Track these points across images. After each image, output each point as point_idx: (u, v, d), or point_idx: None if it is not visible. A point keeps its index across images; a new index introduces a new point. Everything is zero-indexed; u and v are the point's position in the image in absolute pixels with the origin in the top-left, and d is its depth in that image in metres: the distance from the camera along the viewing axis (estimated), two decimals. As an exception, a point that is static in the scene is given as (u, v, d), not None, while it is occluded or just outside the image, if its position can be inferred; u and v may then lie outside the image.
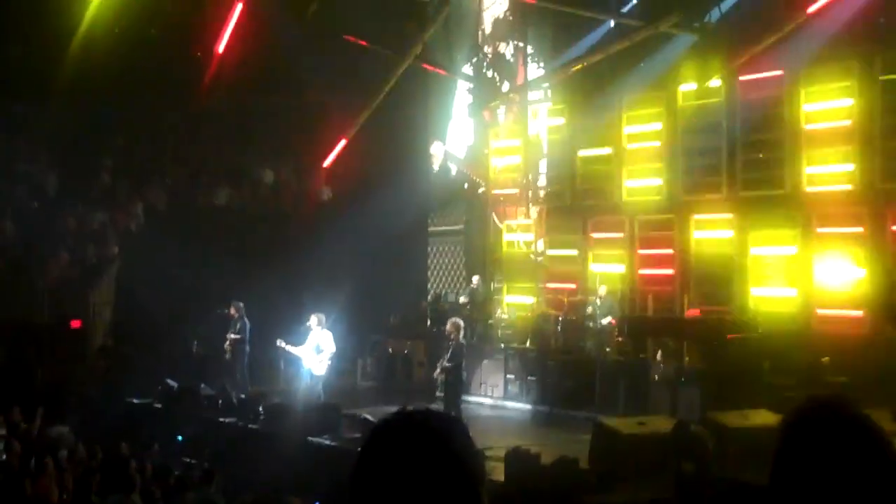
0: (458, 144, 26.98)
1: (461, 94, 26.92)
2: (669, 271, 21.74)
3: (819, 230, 19.28)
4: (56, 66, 23.40)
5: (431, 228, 27.65)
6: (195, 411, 18.57)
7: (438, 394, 17.28)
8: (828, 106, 19.43)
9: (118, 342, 22.18)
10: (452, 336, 16.94)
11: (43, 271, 22.67)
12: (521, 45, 25.40)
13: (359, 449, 2.05)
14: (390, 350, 22.66)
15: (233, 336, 20.10)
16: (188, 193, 26.15)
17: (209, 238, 23.23)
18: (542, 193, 25.12)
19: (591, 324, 20.72)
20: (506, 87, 25.81)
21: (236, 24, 22.29)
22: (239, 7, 22.11)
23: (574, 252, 23.74)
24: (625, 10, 22.22)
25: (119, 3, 22.77)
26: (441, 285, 27.00)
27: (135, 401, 19.92)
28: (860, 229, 18.70)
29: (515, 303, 24.36)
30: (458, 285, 26.30)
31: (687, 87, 21.45)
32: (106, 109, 24.55)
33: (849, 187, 19.01)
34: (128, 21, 23.36)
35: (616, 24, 22.24)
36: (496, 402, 20.51)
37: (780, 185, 20.04)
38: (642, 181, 22.65)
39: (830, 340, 17.87)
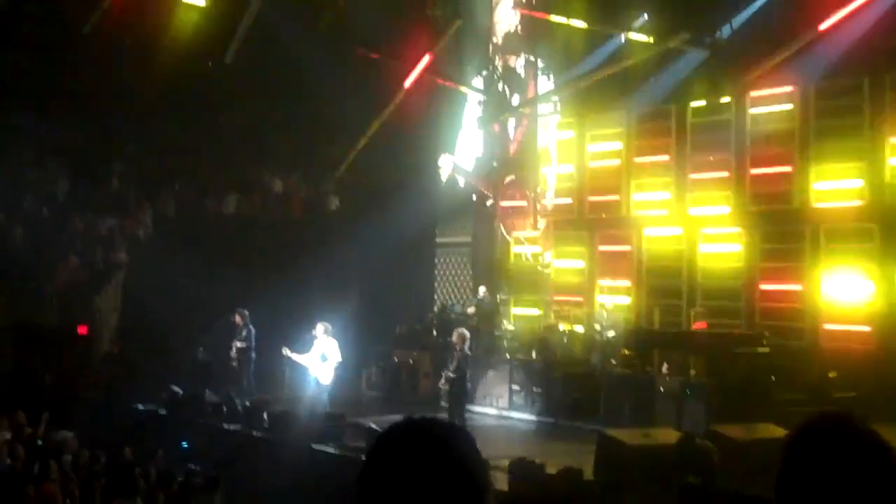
0: (467, 157, 26.98)
1: (471, 107, 26.94)
2: (676, 284, 21.72)
3: (827, 245, 19.27)
4: (65, 74, 23.50)
5: (439, 239, 27.65)
6: (200, 418, 18.56)
7: (443, 404, 17.26)
8: (838, 122, 19.42)
9: (124, 348, 22.19)
10: (458, 347, 16.93)
11: (51, 277, 22.72)
12: (531, 58, 25.42)
13: (363, 457, 2.04)
14: (396, 360, 22.66)
15: (239, 344, 20.12)
16: (197, 201, 26.19)
17: (217, 246, 23.24)
18: (549, 206, 25.13)
19: (597, 336, 20.71)
20: (516, 100, 25.84)
21: (247, 34, 22.37)
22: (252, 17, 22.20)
23: (581, 264, 23.75)
24: (636, 25, 22.26)
25: (128, 12, 22.85)
26: (448, 296, 26.99)
27: (140, 407, 19.92)
28: (869, 244, 18.67)
29: (522, 314, 24.35)
30: (464, 296, 26.28)
31: (697, 104, 21.46)
32: (116, 117, 24.62)
33: (858, 203, 18.99)
34: (138, 29, 23.43)
35: (627, 40, 22.27)
36: (501, 413, 20.48)
37: (789, 201, 20.03)
38: (650, 194, 22.65)
39: (838, 355, 17.84)
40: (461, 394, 17.07)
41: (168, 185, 26.01)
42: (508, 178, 25.74)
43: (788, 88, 19.99)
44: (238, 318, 20.19)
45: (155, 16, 23.44)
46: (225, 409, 18.63)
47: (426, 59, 22.79)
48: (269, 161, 27.18)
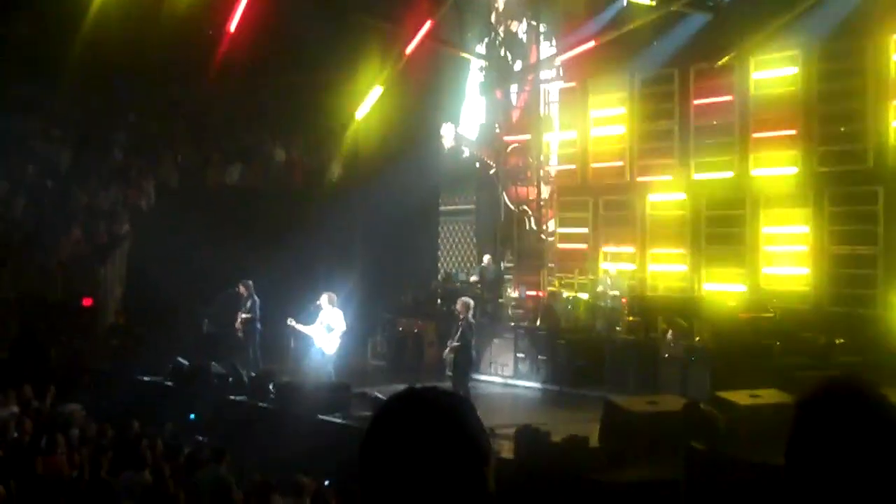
0: (470, 124, 26.88)
1: (473, 74, 26.81)
2: (681, 250, 21.67)
3: (832, 209, 19.21)
4: (68, 45, 23.37)
5: (442, 207, 27.60)
6: (206, 390, 18.60)
7: (448, 373, 17.28)
8: (841, 86, 19.30)
9: (129, 320, 22.23)
10: (462, 315, 16.92)
11: (55, 249, 22.72)
12: (534, 23, 25.26)
13: (367, 426, 2.04)
14: (401, 329, 22.68)
15: (244, 315, 20.13)
16: (200, 172, 26.15)
17: (221, 216, 23.23)
18: (553, 172, 25.05)
19: (601, 303, 20.70)
20: (518, 66, 25.70)
21: (248, 2, 22.21)
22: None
23: (585, 231, 23.70)
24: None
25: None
26: (452, 264, 26.97)
27: (146, 379, 19.96)
28: (874, 207, 18.60)
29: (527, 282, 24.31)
30: (468, 264, 26.28)
31: (700, 67, 21.34)
32: (118, 87, 24.53)
33: (862, 166, 18.91)
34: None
35: (629, 3, 22.10)
36: (506, 381, 20.51)
37: (793, 164, 19.94)
38: (654, 160, 22.55)
39: (843, 320, 17.82)
40: (466, 362, 17.07)
41: (171, 154, 25.95)
42: (511, 145, 25.65)
43: (792, 51, 19.84)
44: (242, 289, 20.18)
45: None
46: (231, 380, 18.67)
47: (427, 26, 22.61)
48: (270, 130, 27.10)
